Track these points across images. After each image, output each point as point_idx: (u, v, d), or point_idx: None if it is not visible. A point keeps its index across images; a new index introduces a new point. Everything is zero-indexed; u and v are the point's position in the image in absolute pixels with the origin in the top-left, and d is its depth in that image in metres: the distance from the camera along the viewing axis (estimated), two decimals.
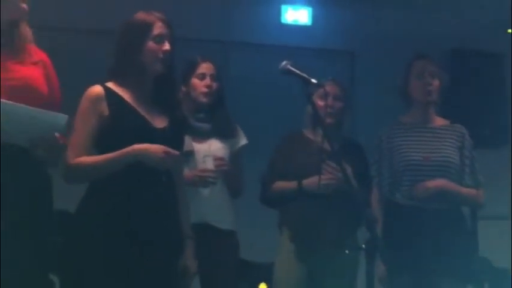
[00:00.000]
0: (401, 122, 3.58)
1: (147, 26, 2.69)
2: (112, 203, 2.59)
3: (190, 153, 3.32)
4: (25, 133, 2.18)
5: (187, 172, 3.21)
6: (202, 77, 3.42)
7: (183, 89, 3.42)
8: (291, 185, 3.49)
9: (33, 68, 2.34)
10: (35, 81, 2.30)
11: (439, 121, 3.58)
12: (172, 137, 2.73)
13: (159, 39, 2.70)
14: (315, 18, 5.61)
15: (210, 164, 3.34)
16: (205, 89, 3.40)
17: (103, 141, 2.65)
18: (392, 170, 3.46)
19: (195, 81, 3.42)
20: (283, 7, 5.56)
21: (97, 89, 2.68)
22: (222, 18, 5.32)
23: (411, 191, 3.38)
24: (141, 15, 2.74)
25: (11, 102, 2.10)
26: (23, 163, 2.23)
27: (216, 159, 3.34)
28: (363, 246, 2.43)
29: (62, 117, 2.27)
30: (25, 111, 2.14)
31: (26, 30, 2.36)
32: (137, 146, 2.58)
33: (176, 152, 2.63)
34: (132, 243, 2.56)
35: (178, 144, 2.80)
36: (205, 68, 3.44)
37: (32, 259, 2.25)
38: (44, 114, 2.22)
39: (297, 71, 2.75)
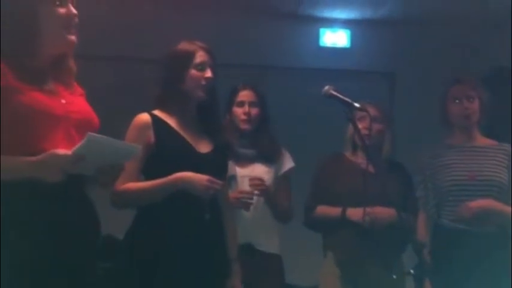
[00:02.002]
0: (444, 144, 3.56)
1: (189, 55, 2.78)
2: (159, 229, 2.64)
3: (233, 178, 3.37)
4: (101, 162, 2.20)
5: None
6: (241, 104, 3.50)
7: (227, 116, 3.50)
8: (335, 211, 3.47)
9: (83, 100, 2.38)
10: (91, 114, 2.35)
11: (485, 141, 3.54)
12: (216, 162, 2.79)
13: (201, 67, 2.78)
14: (353, 40, 5.60)
15: (246, 185, 3.38)
16: (244, 117, 3.47)
17: (150, 167, 2.72)
18: (437, 191, 3.43)
19: (235, 109, 3.51)
20: (322, 30, 5.56)
21: (144, 116, 2.76)
22: (260, 43, 5.34)
23: (456, 212, 3.34)
24: (183, 45, 2.83)
25: (100, 135, 2.13)
26: (74, 188, 2.25)
27: (251, 179, 3.38)
28: (411, 271, 2.40)
29: (134, 148, 2.30)
30: (109, 142, 2.16)
31: (73, 64, 2.39)
32: (181, 175, 2.63)
33: (220, 182, 2.67)
34: (179, 267, 2.60)
35: (222, 169, 2.87)
36: (243, 95, 3.51)
37: (83, 285, 2.27)
38: (121, 144, 2.25)
39: (340, 96, 2.80)
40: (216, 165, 2.77)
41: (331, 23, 5.55)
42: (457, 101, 3.48)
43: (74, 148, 2.12)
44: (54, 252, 2.18)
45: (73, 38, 2.31)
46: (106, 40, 4.93)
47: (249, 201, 3.32)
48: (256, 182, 3.36)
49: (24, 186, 2.13)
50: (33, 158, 2.12)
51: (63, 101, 2.26)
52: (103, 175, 2.24)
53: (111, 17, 4.97)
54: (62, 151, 2.13)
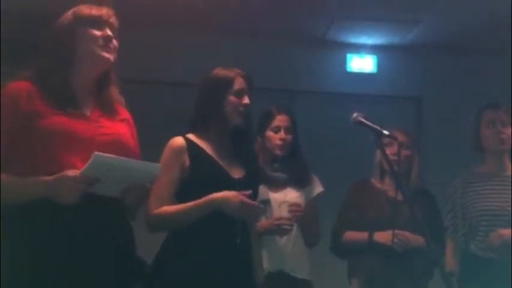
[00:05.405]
0: (475, 172, 3.54)
1: (229, 81, 2.81)
2: (190, 251, 2.66)
3: (267, 202, 3.35)
4: (121, 184, 2.24)
5: (263, 221, 3.26)
6: (277, 129, 3.47)
7: (259, 139, 3.48)
8: (362, 236, 3.46)
9: (121, 124, 2.43)
10: (124, 136, 2.39)
11: None
12: (249, 187, 2.78)
13: (240, 93, 2.81)
14: (380, 65, 5.62)
15: (285, 211, 3.34)
16: (279, 142, 3.45)
17: (183, 190, 2.73)
18: (466, 220, 3.41)
19: (270, 133, 3.47)
20: (349, 56, 5.59)
21: (179, 140, 2.78)
22: (288, 68, 5.39)
23: (486, 241, 3.32)
24: (223, 71, 2.85)
25: (107, 154, 2.16)
26: (108, 211, 2.29)
27: (291, 205, 3.34)
28: None
29: (155, 167, 2.31)
30: (123, 163, 2.19)
31: (114, 89, 2.46)
32: (216, 195, 2.65)
33: (254, 202, 2.69)
34: None
35: (254, 194, 2.85)
36: (280, 120, 3.48)
37: None
38: (140, 164, 2.27)
39: (369, 123, 2.78)
40: (247, 190, 2.75)
41: (358, 48, 5.58)
42: (491, 125, 3.46)
43: (83, 168, 2.15)
44: (90, 273, 2.22)
45: (109, 56, 2.37)
46: (137, 63, 5.00)
47: (289, 227, 3.27)
48: (296, 209, 3.33)
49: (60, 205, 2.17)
50: (47, 178, 2.16)
51: (94, 124, 2.32)
52: (128, 196, 2.27)
53: (145, 40, 5.06)
54: (71, 172, 2.15)
